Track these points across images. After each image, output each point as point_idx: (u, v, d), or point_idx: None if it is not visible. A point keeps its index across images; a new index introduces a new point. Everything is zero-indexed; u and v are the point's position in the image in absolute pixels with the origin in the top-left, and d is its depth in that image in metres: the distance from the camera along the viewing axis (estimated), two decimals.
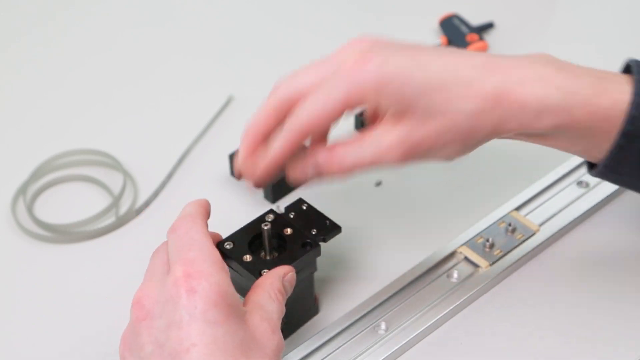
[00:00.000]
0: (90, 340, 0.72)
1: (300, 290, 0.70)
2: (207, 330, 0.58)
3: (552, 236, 0.77)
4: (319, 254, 0.69)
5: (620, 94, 0.63)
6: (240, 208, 0.81)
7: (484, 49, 0.96)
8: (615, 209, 0.80)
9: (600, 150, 0.65)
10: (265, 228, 0.69)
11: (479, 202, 0.80)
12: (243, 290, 0.68)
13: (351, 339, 0.70)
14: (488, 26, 0.99)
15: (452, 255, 0.75)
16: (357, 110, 0.65)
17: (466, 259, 0.75)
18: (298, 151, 0.65)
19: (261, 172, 0.66)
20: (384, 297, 0.72)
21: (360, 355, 0.69)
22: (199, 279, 0.59)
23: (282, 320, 0.64)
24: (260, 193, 0.82)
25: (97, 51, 1.00)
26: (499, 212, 0.78)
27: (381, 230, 0.79)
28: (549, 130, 0.63)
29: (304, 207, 0.72)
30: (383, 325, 0.71)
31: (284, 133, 0.64)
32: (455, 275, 0.74)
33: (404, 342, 0.70)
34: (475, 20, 0.99)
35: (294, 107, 0.64)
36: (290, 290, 0.66)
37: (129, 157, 0.86)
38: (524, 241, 0.76)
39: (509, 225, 0.76)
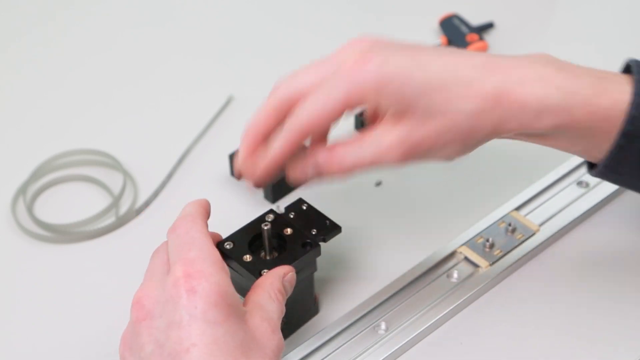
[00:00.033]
0: (90, 340, 0.72)
1: (300, 290, 0.70)
2: (207, 330, 0.58)
3: (552, 236, 0.77)
4: (319, 254, 0.69)
5: (620, 94, 0.63)
6: (240, 208, 0.81)
7: (484, 49, 0.96)
8: (615, 209, 0.80)
9: (600, 150, 0.65)
10: (265, 228, 0.69)
11: (479, 202, 0.80)
12: (243, 290, 0.68)
13: (351, 339, 0.70)
14: (488, 26, 0.99)
15: (452, 255, 0.75)
16: (357, 110, 0.65)
17: (466, 259, 0.75)
18: (298, 151, 0.65)
19: (261, 172, 0.66)
20: (384, 297, 0.72)
21: (360, 355, 0.69)
22: (199, 279, 0.59)
23: (282, 320, 0.64)
24: (260, 193, 0.82)
25: (97, 51, 1.00)
26: (499, 212, 0.78)
27: (381, 230, 0.79)
28: (549, 130, 0.63)
29: (304, 207, 0.72)
30: (383, 325, 0.71)
31: (284, 133, 0.64)
32: (455, 275, 0.74)
33: (404, 342, 0.70)
34: (475, 20, 0.99)
35: (294, 107, 0.64)
36: (290, 290, 0.66)
37: (129, 157, 0.86)
38: (524, 241, 0.76)
39: (509, 225, 0.76)
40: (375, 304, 0.72)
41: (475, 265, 0.74)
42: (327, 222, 0.71)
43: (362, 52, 0.62)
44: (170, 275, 0.60)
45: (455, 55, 0.64)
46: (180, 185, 0.84)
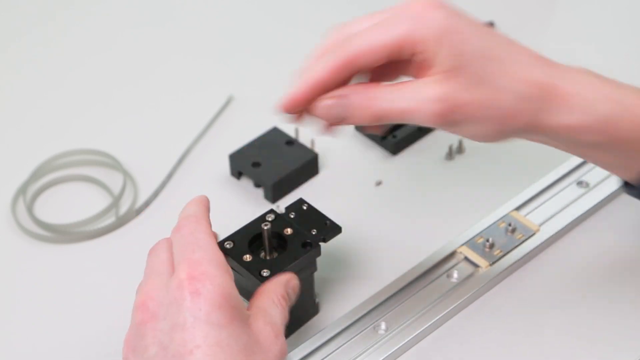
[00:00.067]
0: (90, 340, 0.72)
1: (300, 290, 0.70)
2: (211, 333, 0.57)
3: (552, 236, 0.76)
4: (319, 254, 0.69)
5: None
6: (240, 208, 0.81)
7: None
8: (615, 209, 0.80)
9: None
10: (265, 228, 0.69)
11: (479, 202, 0.80)
12: (243, 290, 0.68)
13: (351, 339, 0.70)
14: (488, 26, 0.99)
15: (452, 255, 0.75)
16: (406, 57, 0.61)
17: (466, 259, 0.75)
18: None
19: (295, 92, 0.62)
20: (384, 297, 0.72)
21: (360, 355, 0.69)
22: (203, 281, 0.59)
23: None
24: (260, 193, 0.82)
25: (97, 51, 1.00)
26: (499, 212, 0.78)
27: (381, 230, 0.79)
28: (589, 138, 0.63)
29: (304, 207, 0.72)
30: (383, 325, 0.71)
31: (329, 54, 0.61)
32: (455, 275, 0.74)
33: (404, 342, 0.70)
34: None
35: (348, 31, 0.61)
36: (294, 297, 0.66)
37: (129, 157, 0.86)
38: (524, 241, 0.76)
39: (509, 225, 0.76)
40: (375, 304, 0.72)
41: (475, 265, 0.74)
42: (327, 222, 0.71)
43: (434, 3, 0.60)
44: (175, 277, 0.60)
45: (516, 42, 0.64)
46: (180, 185, 0.84)
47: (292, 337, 0.71)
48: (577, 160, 0.82)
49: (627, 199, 0.80)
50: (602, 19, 1.01)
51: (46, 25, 1.03)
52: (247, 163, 0.83)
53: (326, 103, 0.62)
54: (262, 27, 1.01)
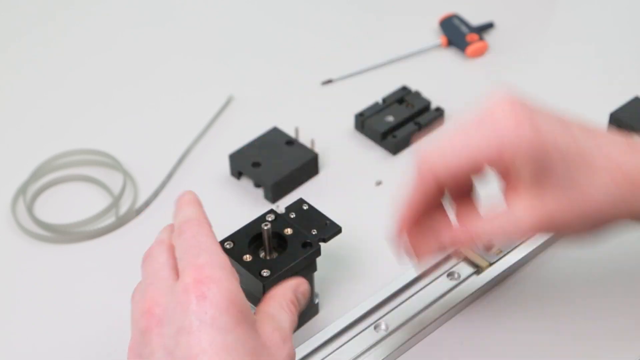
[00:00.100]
0: (90, 340, 0.72)
1: None
2: (218, 337, 0.56)
3: (552, 236, 0.76)
4: (319, 254, 0.69)
5: None
6: (240, 208, 0.81)
7: (484, 49, 0.96)
8: None
9: None
10: (265, 228, 0.69)
11: (478, 201, 0.80)
12: (243, 290, 0.68)
13: (351, 339, 0.70)
14: (488, 26, 0.99)
15: (452, 255, 0.75)
16: (490, 172, 0.63)
17: (466, 259, 0.75)
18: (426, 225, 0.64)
19: (399, 224, 0.64)
20: (384, 297, 0.72)
21: (360, 355, 0.69)
22: (208, 284, 0.58)
23: None
24: (260, 193, 0.82)
25: (97, 51, 1.00)
26: None
27: (381, 230, 0.79)
28: None
29: (304, 207, 0.72)
30: (383, 325, 0.71)
31: (420, 179, 0.62)
32: (455, 275, 0.74)
33: (404, 342, 0.70)
34: (475, 20, 0.99)
35: (434, 154, 0.62)
36: (304, 303, 0.65)
37: (129, 157, 0.86)
38: (524, 241, 0.76)
39: None
40: (375, 304, 0.72)
41: (475, 265, 0.74)
42: (327, 222, 0.71)
43: (517, 115, 0.60)
44: (180, 282, 0.59)
45: (599, 131, 0.62)
46: (180, 185, 0.84)
47: (292, 337, 0.71)
48: None
49: None
50: (602, 19, 1.01)
51: (46, 25, 1.03)
52: (247, 163, 0.83)
53: (428, 250, 0.64)
54: (262, 27, 1.02)
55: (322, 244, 0.70)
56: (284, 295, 0.63)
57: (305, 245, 0.69)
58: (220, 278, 0.58)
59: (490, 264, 0.74)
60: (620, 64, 0.95)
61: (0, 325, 0.74)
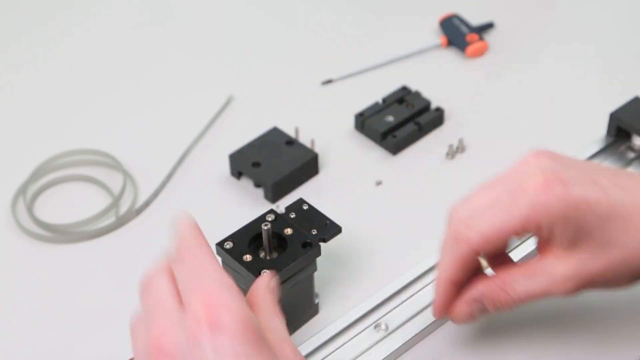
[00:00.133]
0: (90, 340, 0.72)
1: (300, 290, 0.70)
2: None
3: None
4: (319, 254, 0.69)
5: None
6: (240, 208, 0.81)
7: (484, 49, 0.96)
8: None
9: None
10: (265, 228, 0.69)
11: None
12: (243, 291, 0.68)
13: (351, 339, 0.70)
14: (488, 26, 0.99)
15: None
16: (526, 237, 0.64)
17: None
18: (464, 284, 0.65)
19: (439, 300, 0.66)
20: (384, 297, 0.72)
21: (360, 355, 0.69)
22: (220, 311, 0.54)
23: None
24: (260, 193, 0.82)
25: (97, 51, 1.00)
26: None
27: (381, 230, 0.79)
28: None
29: (305, 207, 0.72)
30: (383, 325, 0.71)
31: (454, 248, 0.63)
32: None
33: (404, 342, 0.70)
34: (475, 20, 0.99)
35: (467, 220, 0.62)
36: (279, 293, 0.62)
37: (129, 157, 0.86)
38: (524, 241, 0.76)
39: None
40: (375, 304, 0.72)
41: None
42: (327, 222, 0.71)
43: (545, 174, 0.60)
44: (188, 311, 0.55)
45: (632, 179, 0.62)
46: (180, 185, 0.84)
47: (292, 337, 0.71)
48: None
49: None
50: (602, 19, 1.01)
51: (46, 25, 1.03)
52: (247, 163, 0.83)
53: (466, 311, 0.65)
54: (262, 27, 1.02)
55: (322, 244, 0.70)
56: (264, 299, 0.60)
57: (305, 245, 0.69)
58: (231, 302, 0.55)
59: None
60: (620, 64, 0.95)
61: (0, 325, 0.74)
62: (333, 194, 0.82)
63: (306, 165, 0.83)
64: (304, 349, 0.69)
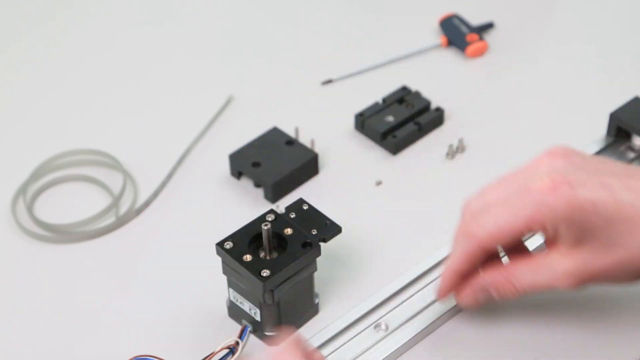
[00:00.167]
0: (90, 340, 0.72)
1: (300, 290, 0.70)
2: None
3: None
4: (319, 254, 0.69)
5: None
6: (240, 208, 0.81)
7: (484, 49, 0.96)
8: None
9: None
10: (265, 228, 0.69)
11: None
12: (243, 291, 0.68)
13: (351, 339, 0.70)
14: (488, 26, 0.99)
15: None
16: (533, 234, 0.66)
17: None
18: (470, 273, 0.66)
19: (442, 285, 0.67)
20: (384, 297, 0.72)
21: (360, 355, 0.69)
22: None
23: (282, 321, 0.63)
24: (260, 193, 0.82)
25: (97, 51, 1.00)
26: None
27: (381, 230, 0.79)
28: None
29: (305, 207, 0.72)
30: (383, 325, 0.71)
31: (464, 242, 0.64)
32: None
33: (404, 342, 0.70)
34: (475, 20, 0.99)
35: (477, 215, 0.64)
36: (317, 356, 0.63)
37: (129, 157, 0.86)
38: (524, 241, 0.76)
39: None
40: (375, 304, 0.72)
41: None
42: (327, 222, 0.71)
43: (552, 176, 0.61)
44: None
45: (636, 174, 0.63)
46: (180, 185, 0.84)
47: None
48: None
49: None
50: (602, 19, 1.01)
51: (46, 25, 1.03)
52: (247, 163, 0.83)
53: (472, 296, 0.67)
54: (262, 27, 1.01)
55: (322, 244, 0.70)
56: (293, 356, 0.60)
57: (305, 245, 0.69)
58: None
59: None
60: (620, 64, 0.95)
61: (0, 325, 0.74)
62: (333, 194, 0.82)
63: (306, 165, 0.83)
64: None
